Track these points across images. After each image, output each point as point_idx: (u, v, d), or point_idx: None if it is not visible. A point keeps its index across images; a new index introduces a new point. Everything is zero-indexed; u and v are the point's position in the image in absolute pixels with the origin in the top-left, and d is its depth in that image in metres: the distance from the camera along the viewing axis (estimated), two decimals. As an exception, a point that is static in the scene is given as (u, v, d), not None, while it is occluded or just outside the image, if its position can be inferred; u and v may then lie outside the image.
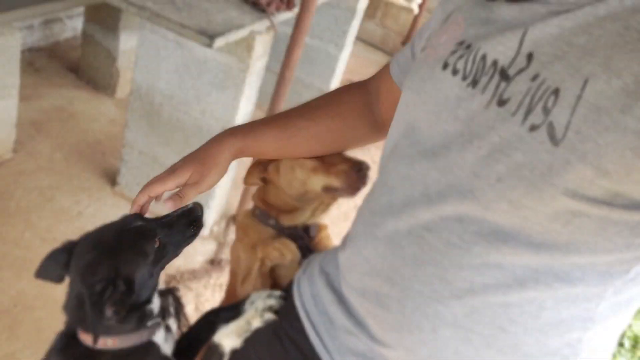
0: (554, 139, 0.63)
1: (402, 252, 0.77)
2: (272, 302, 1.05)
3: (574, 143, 0.62)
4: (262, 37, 2.45)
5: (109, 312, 0.89)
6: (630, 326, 3.29)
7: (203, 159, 0.98)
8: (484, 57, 0.71)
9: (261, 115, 3.33)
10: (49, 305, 2.18)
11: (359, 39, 4.74)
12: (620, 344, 3.22)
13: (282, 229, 1.20)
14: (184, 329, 1.13)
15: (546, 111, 0.64)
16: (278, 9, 2.53)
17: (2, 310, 2.19)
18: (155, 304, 1.02)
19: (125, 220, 0.97)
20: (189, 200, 0.97)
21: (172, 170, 0.98)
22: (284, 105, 2.43)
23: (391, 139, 0.86)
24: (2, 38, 2.51)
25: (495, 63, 0.70)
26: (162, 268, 0.99)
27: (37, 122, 3.23)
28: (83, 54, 3.64)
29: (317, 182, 1.10)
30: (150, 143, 2.77)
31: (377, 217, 0.81)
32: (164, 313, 1.05)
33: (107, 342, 0.96)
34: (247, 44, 2.41)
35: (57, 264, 0.94)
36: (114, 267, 0.90)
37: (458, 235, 0.72)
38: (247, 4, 2.50)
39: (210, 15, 2.26)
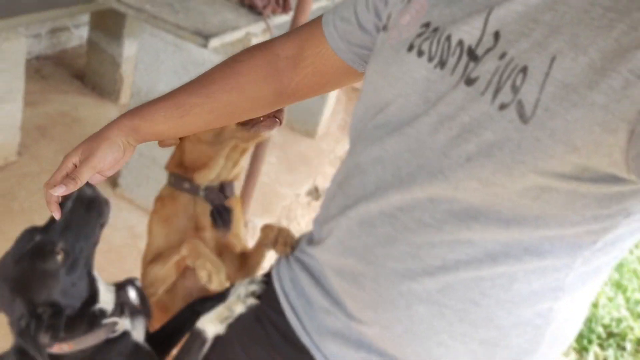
0: (523, 117, 0.64)
1: (375, 232, 0.78)
2: (254, 287, 1.05)
3: (543, 120, 0.63)
4: (258, 40, 2.50)
5: (44, 339, 0.87)
6: (632, 329, 3.27)
7: (89, 139, 0.92)
8: (448, 38, 0.72)
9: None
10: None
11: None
12: (622, 348, 3.20)
13: (196, 189, 1.22)
14: (150, 316, 1.13)
15: (515, 89, 0.64)
16: (274, 12, 2.59)
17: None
18: (106, 302, 1.00)
19: (21, 243, 0.92)
20: (84, 180, 0.86)
21: (69, 153, 0.90)
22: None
23: (359, 120, 0.87)
24: (8, 43, 2.59)
25: (460, 43, 0.71)
26: (87, 265, 0.96)
27: (42, 126, 3.30)
28: (88, 60, 3.72)
29: None
30: (149, 145, 2.81)
31: (350, 199, 0.83)
32: (122, 308, 1.03)
33: (63, 348, 0.95)
34: (242, 46, 2.46)
35: None
36: (28, 300, 0.88)
37: (430, 214, 0.74)
38: (244, 7, 2.56)
39: (206, 17, 2.32)
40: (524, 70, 0.64)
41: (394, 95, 0.78)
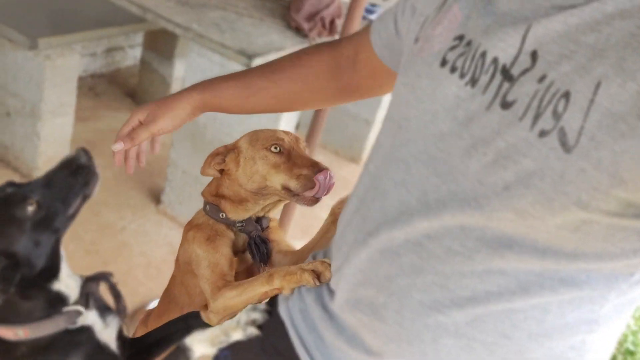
0: (565, 146, 0.60)
1: (399, 261, 0.74)
2: (257, 315, 0.98)
3: (588, 150, 0.59)
4: (303, 61, 2.50)
5: None
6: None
7: (159, 103, 1.02)
8: (483, 55, 0.68)
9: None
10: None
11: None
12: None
13: (232, 222, 1.15)
14: (124, 315, 1.06)
15: (557, 116, 0.61)
16: (320, 35, 2.59)
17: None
18: (69, 287, 0.94)
19: None
20: (140, 141, 0.98)
21: (130, 116, 1.01)
22: (322, 130, 2.45)
23: (381, 139, 0.83)
24: (62, 59, 2.68)
25: (495, 61, 0.67)
26: (57, 232, 0.90)
27: (92, 141, 3.39)
28: (140, 80, 3.83)
29: (278, 179, 1.06)
30: (193, 163, 2.85)
31: (369, 224, 0.78)
32: (87, 299, 0.96)
33: (18, 333, 0.88)
34: (287, 67, 2.47)
35: None
36: None
37: (460, 242, 0.69)
38: (290, 30, 2.57)
39: (251, 38, 2.34)
40: (567, 95, 0.61)
41: (419, 112, 0.74)
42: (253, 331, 0.96)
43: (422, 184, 0.72)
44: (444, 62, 0.73)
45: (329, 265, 0.88)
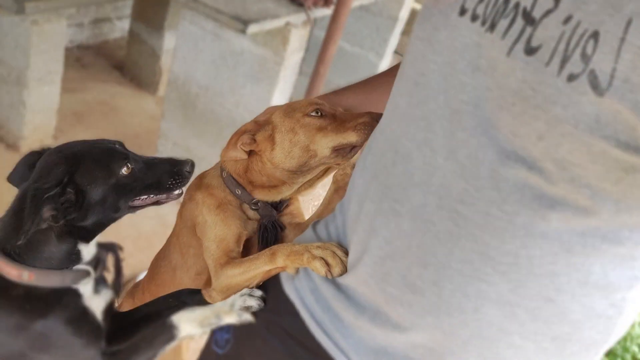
0: (597, 89, 0.57)
1: (434, 229, 0.69)
2: (252, 302, 0.94)
3: (623, 93, 0.56)
4: (298, 31, 2.46)
5: (46, 213, 0.81)
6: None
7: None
8: (506, 1, 0.64)
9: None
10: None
11: (398, 53, 4.75)
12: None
13: (249, 200, 1.05)
14: (118, 291, 1.03)
15: (585, 58, 0.57)
16: (315, 4, 2.54)
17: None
18: (90, 253, 0.93)
19: (104, 141, 0.92)
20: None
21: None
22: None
23: (395, 100, 0.78)
24: (49, 25, 2.60)
25: (517, 5, 0.63)
26: (124, 201, 0.91)
27: (79, 112, 3.32)
28: (129, 52, 3.75)
29: (326, 142, 0.97)
30: (184, 134, 2.80)
31: (394, 191, 0.73)
32: (96, 265, 0.95)
33: (23, 275, 0.86)
34: (282, 37, 2.42)
35: (27, 166, 0.89)
36: (70, 173, 0.84)
37: (497, 205, 0.65)
38: (286, -2, 2.52)
39: (247, 4, 2.29)
40: (595, 35, 0.57)
41: (437, 65, 0.70)
42: (247, 317, 0.91)
43: (448, 141, 0.67)
44: (463, 11, 0.69)
45: (341, 260, 0.83)
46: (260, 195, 1.05)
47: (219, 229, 1.04)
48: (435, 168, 0.68)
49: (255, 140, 1.01)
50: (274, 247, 0.94)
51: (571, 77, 0.58)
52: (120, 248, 1.03)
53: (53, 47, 2.67)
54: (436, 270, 0.70)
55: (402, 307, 0.74)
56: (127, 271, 2.49)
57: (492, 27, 0.64)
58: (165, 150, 2.88)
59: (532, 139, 0.62)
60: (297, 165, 0.99)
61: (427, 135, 0.69)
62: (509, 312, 0.69)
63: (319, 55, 2.41)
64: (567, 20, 0.59)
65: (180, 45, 2.64)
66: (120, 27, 4.14)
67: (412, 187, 0.71)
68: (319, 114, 0.97)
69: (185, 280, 1.15)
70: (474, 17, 0.67)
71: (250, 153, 1.03)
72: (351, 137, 0.95)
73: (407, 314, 0.74)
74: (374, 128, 0.93)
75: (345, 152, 0.97)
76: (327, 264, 0.83)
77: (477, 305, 0.69)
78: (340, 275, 0.83)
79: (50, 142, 2.95)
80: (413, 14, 5.04)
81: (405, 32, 4.01)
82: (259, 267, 0.94)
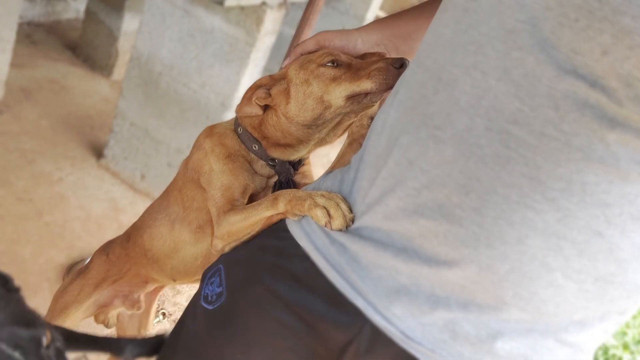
0: None
1: (481, 152, 0.65)
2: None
3: None
4: (272, 13, 2.39)
5: None
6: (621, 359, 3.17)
7: (330, 31, 1.02)
8: None
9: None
10: (16, 263, 2.02)
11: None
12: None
13: (266, 156, 1.03)
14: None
15: None
16: (292, -12, 2.49)
17: (-36, 258, 2.03)
18: None
19: None
20: (306, 48, 1.01)
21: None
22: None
23: (438, 30, 0.74)
24: (4, -13, 2.42)
25: None
26: None
27: (28, 89, 3.11)
28: (84, 31, 3.56)
29: (340, 91, 0.94)
30: (143, 114, 2.66)
31: (436, 117, 0.69)
32: None
33: None
34: (257, 17, 2.34)
35: None
36: None
37: (554, 125, 0.62)
38: (261, -21, 2.45)
39: (223, -21, 2.20)
40: None
41: None
42: None
43: (501, 62, 0.64)
44: None
45: (343, 214, 0.78)
46: (276, 153, 1.03)
47: (226, 178, 1.01)
48: (486, 90, 0.65)
49: (270, 95, 0.99)
50: (277, 192, 0.90)
51: None
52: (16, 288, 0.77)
53: (6, 12, 2.49)
54: (479, 196, 0.66)
55: (436, 239, 0.69)
56: (75, 253, 2.32)
57: None
58: (121, 131, 2.73)
59: (596, 54, 0.59)
60: (311, 118, 0.97)
61: (477, 59, 0.66)
62: (554, 245, 0.64)
63: (293, 38, 2.34)
64: None
65: (147, 21, 2.51)
66: (75, 8, 3.95)
67: (457, 112, 0.67)
68: (334, 64, 0.96)
69: (183, 234, 1.11)
70: None
71: (265, 108, 1.01)
72: (365, 85, 0.93)
73: (441, 247, 0.69)
74: (390, 73, 0.92)
75: (360, 99, 0.95)
76: (329, 214, 0.78)
77: (522, 235, 0.65)
78: (340, 229, 0.78)
79: (-5, 115, 2.75)
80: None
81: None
82: (261, 212, 0.90)
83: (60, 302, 1.37)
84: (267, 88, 1.00)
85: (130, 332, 1.48)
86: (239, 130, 1.05)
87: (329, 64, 0.95)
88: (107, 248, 1.37)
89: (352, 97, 0.94)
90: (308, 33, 2.36)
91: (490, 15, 0.66)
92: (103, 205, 2.61)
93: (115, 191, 2.71)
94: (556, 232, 0.64)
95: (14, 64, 2.73)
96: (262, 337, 0.83)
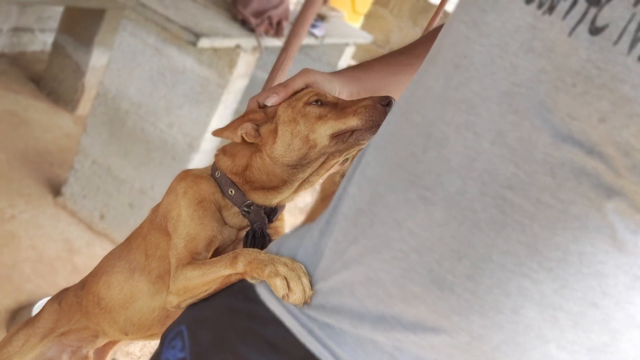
0: None
1: (475, 217, 0.63)
2: None
3: None
4: (246, 56, 2.36)
5: None
6: None
7: (318, 71, 0.99)
8: None
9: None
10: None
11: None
12: None
13: (241, 203, 0.97)
14: None
15: None
16: (267, 33, 2.48)
17: None
18: None
19: None
20: (295, 88, 0.96)
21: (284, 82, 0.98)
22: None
23: (427, 83, 0.71)
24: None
25: None
26: None
27: (-15, 120, 2.98)
28: (50, 64, 3.47)
29: (325, 129, 0.92)
30: (107, 152, 2.57)
31: (426, 178, 0.66)
32: None
33: None
34: (230, 59, 2.31)
35: None
36: None
37: (551, 192, 0.60)
38: (236, 22, 2.43)
39: (197, 19, 2.17)
40: None
41: (484, 47, 0.66)
42: None
43: (495, 124, 0.62)
44: None
45: (304, 288, 0.74)
46: (257, 197, 0.98)
47: (193, 227, 0.96)
48: (479, 152, 0.63)
49: (259, 134, 0.96)
50: (238, 250, 0.85)
51: None
52: None
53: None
54: (473, 263, 0.62)
55: (423, 305, 0.65)
56: (23, 297, 2.17)
57: (551, 9, 0.62)
58: (82, 168, 2.62)
59: (593, 121, 0.58)
60: (297, 158, 0.95)
61: (469, 118, 0.64)
62: (550, 316, 0.62)
63: (266, 82, 2.31)
64: (638, 2, 0.57)
65: (116, 58, 2.46)
66: (42, 40, 3.86)
67: (449, 173, 0.64)
68: (320, 103, 0.94)
69: (142, 284, 1.05)
70: (529, 0, 0.64)
71: (251, 146, 0.98)
72: (351, 121, 0.91)
73: (429, 314, 0.65)
74: (377, 110, 0.91)
75: (345, 137, 0.93)
76: (288, 286, 0.74)
77: (517, 305, 0.62)
78: (296, 305, 0.74)
79: (-53, 146, 2.61)
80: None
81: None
82: (219, 270, 0.85)
83: (2, 352, 1.25)
84: (259, 123, 0.97)
85: None
86: (217, 174, 1.00)
87: (315, 103, 0.94)
88: (61, 296, 1.26)
89: (337, 136, 0.92)
90: (281, 77, 2.34)
91: (483, 75, 0.64)
92: (57, 246, 2.47)
93: (71, 231, 2.58)
94: (552, 303, 0.62)
95: (-27, 94, 2.62)
96: None
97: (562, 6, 0.61)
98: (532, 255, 0.61)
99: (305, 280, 0.75)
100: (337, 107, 0.93)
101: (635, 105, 0.56)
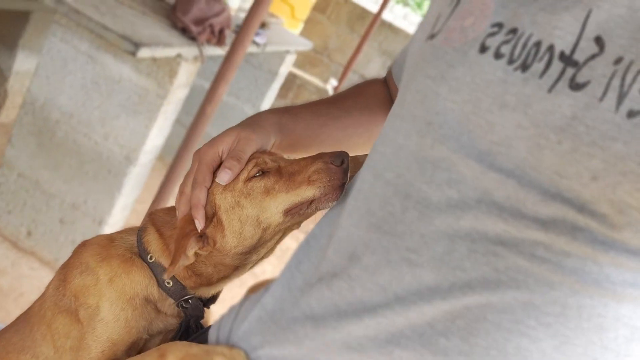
0: None
1: (466, 277, 0.61)
2: None
3: None
4: (187, 65, 2.27)
5: None
6: None
7: (245, 124, 0.85)
8: (538, 44, 0.62)
9: (162, 165, 3.07)
10: None
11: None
12: None
13: (180, 297, 0.85)
14: None
15: None
16: (208, 41, 2.40)
17: None
18: None
19: None
20: (247, 157, 0.81)
21: (214, 139, 0.83)
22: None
23: (398, 141, 0.69)
24: None
25: (551, 48, 0.61)
26: None
27: None
28: (-32, 67, 3.22)
29: (276, 206, 0.80)
30: (34, 165, 2.41)
31: (408, 239, 0.63)
32: None
33: None
34: (170, 69, 2.22)
35: None
36: None
37: (544, 247, 0.59)
38: (176, 30, 2.34)
39: (135, 27, 2.07)
40: None
41: (456, 103, 0.64)
42: None
43: (478, 183, 0.61)
44: (483, 49, 0.65)
45: None
46: (201, 290, 0.85)
47: (117, 331, 0.81)
48: (464, 211, 0.61)
49: (207, 240, 0.81)
50: (165, 346, 0.74)
51: (632, 114, 0.56)
52: None
53: None
54: (467, 324, 0.60)
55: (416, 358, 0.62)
56: None
57: (525, 67, 0.61)
58: (7, 182, 2.44)
59: (584, 179, 0.57)
60: (250, 245, 0.82)
61: (451, 176, 0.62)
62: None
63: (207, 93, 2.23)
64: (618, 61, 0.57)
65: (45, 64, 2.30)
66: (-41, 40, 3.58)
67: (433, 234, 0.62)
68: (261, 172, 0.81)
69: None
70: (498, 55, 0.64)
71: (199, 254, 0.82)
72: (307, 192, 0.80)
73: None
74: (332, 173, 0.80)
75: (302, 209, 0.81)
76: None
77: None
78: None
79: None
80: (291, 75, 5.10)
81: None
82: None
83: None
84: (198, 232, 0.80)
85: None
86: (149, 258, 0.84)
87: (256, 175, 0.80)
88: None
89: (291, 210, 0.81)
90: (224, 87, 2.27)
91: (459, 133, 0.62)
92: (34, 283, 2.29)
93: (56, 267, 2.40)
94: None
95: None
96: None
97: (537, 67, 0.60)
98: (529, 311, 0.59)
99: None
100: (283, 174, 0.81)
101: (629, 162, 0.55)
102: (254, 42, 2.97)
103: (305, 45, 4.18)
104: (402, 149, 0.67)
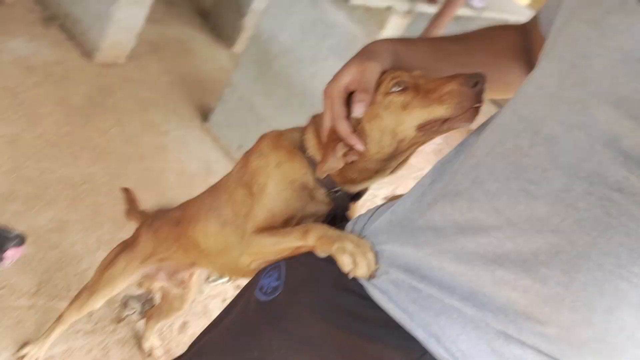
0: None
1: (578, 216, 0.63)
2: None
3: None
4: (397, 18, 2.43)
5: None
6: None
7: (362, 54, 0.89)
8: None
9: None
10: (113, 195, 2.21)
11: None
12: None
13: (331, 186, 0.96)
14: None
15: None
16: (420, -2, 2.51)
17: (71, 183, 2.24)
18: None
19: None
20: (373, 86, 0.86)
21: (336, 74, 0.89)
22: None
23: (541, 80, 0.72)
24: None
25: None
26: None
27: (156, 43, 3.35)
28: (217, 2, 3.78)
29: (411, 120, 0.86)
30: (253, 90, 2.80)
31: (531, 171, 0.67)
32: None
33: None
34: (380, 19, 2.39)
35: None
36: None
37: None
38: (392, -16, 2.49)
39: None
40: None
41: (605, 49, 0.64)
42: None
43: (609, 128, 0.62)
44: None
45: (368, 264, 0.77)
46: (347, 187, 0.98)
47: (277, 204, 0.97)
48: (590, 153, 0.63)
49: (353, 150, 0.90)
50: (310, 225, 0.89)
51: None
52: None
53: (155, -30, 2.70)
54: (570, 259, 0.63)
55: (514, 292, 0.67)
56: (164, 200, 2.48)
57: None
58: (230, 99, 2.88)
59: None
60: (389, 152, 0.91)
61: (582, 120, 0.64)
62: None
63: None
64: None
65: (274, 3, 2.64)
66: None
67: (555, 170, 0.65)
68: (400, 87, 0.86)
69: (232, 238, 1.09)
70: None
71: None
72: (437, 112, 0.84)
73: (520, 299, 0.67)
74: (464, 96, 0.82)
75: (434, 127, 0.86)
76: (355, 261, 0.78)
77: (612, 306, 0.62)
78: (362, 277, 0.78)
79: (123, 62, 2.98)
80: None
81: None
82: (291, 242, 0.90)
83: (106, 274, 1.41)
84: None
85: (174, 302, 1.59)
86: (307, 153, 0.98)
87: (394, 89, 0.86)
88: (153, 224, 1.38)
89: (425, 126, 0.86)
90: (442, 27, 2.36)
91: (602, 77, 0.64)
92: (198, 165, 2.77)
93: (211, 154, 2.88)
94: None
95: (149, 19, 2.95)
96: (309, 339, 0.82)
97: None
98: (634, 259, 0.60)
99: (370, 256, 0.78)
100: (420, 90, 0.86)
101: None
102: (469, 5, 3.00)
103: (528, 18, 4.04)
104: (543, 88, 0.70)
